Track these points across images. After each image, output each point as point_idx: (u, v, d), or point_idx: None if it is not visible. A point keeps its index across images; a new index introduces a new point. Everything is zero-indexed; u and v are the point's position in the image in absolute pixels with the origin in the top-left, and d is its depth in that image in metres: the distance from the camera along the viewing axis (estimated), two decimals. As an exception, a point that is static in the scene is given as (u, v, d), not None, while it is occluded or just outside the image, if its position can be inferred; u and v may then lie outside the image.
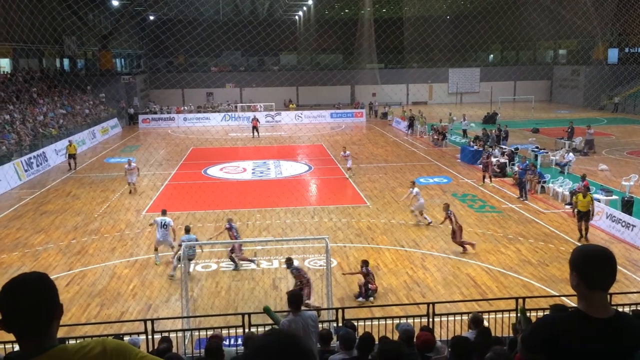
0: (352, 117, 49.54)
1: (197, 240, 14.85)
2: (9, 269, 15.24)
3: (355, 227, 18.44)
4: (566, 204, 20.56)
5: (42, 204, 22.32)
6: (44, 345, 2.06)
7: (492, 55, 68.55)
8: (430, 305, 9.89)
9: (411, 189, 18.83)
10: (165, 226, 15.39)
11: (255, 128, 39.85)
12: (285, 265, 13.11)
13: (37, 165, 28.49)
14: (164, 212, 15.90)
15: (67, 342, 7.11)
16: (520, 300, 10.07)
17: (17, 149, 28.77)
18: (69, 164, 29.05)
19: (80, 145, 35.67)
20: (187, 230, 14.86)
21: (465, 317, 10.32)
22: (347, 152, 26.68)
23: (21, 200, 23.07)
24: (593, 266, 2.45)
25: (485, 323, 8.46)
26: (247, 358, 1.75)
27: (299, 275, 12.62)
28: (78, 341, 2.17)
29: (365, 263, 13.19)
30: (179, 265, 13.39)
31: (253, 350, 1.76)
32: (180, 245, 14.40)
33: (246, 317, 9.52)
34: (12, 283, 2.09)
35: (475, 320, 8.19)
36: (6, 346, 8.54)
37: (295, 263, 13.16)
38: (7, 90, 36.26)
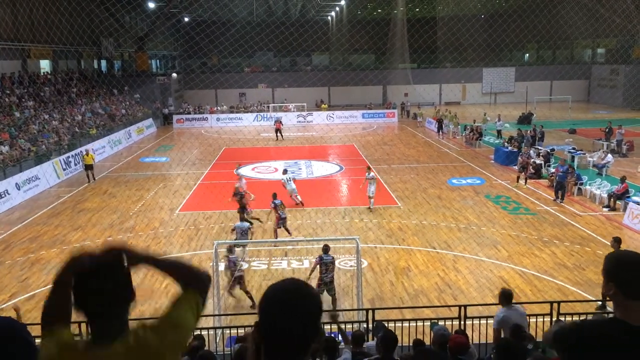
0: (383, 118, 49.31)
1: (249, 227, 15.47)
2: (47, 265, 15.70)
3: (386, 227, 18.35)
4: (604, 207, 20.06)
5: (80, 202, 22.89)
6: (119, 330, 2.02)
7: (527, 55, 67.30)
8: (462, 308, 9.77)
9: (367, 174, 20.44)
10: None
11: (278, 131, 38.78)
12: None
13: (75, 164, 29.20)
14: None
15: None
16: (555, 305, 9.86)
17: (56, 148, 29.56)
18: (87, 175, 26.41)
19: (116, 144, 36.49)
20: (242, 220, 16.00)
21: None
22: (240, 167, 22.30)
23: (59, 198, 23.71)
24: (631, 275, 2.34)
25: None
26: (262, 305, 1.81)
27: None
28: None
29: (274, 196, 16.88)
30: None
31: (266, 296, 1.84)
32: (233, 230, 15.33)
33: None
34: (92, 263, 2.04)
35: (506, 295, 8.29)
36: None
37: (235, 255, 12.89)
38: (47, 90, 37.31)
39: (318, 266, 12.52)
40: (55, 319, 2.10)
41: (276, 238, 16.78)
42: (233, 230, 15.41)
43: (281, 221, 16.89)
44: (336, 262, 15.21)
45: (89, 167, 26.46)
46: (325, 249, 12.64)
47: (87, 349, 2.01)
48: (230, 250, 12.95)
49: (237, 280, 12.76)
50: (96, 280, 2.00)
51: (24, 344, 2.07)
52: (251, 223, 16.73)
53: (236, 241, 15.10)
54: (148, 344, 1.99)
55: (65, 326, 2.10)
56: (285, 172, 22.13)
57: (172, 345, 2.04)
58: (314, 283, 12.39)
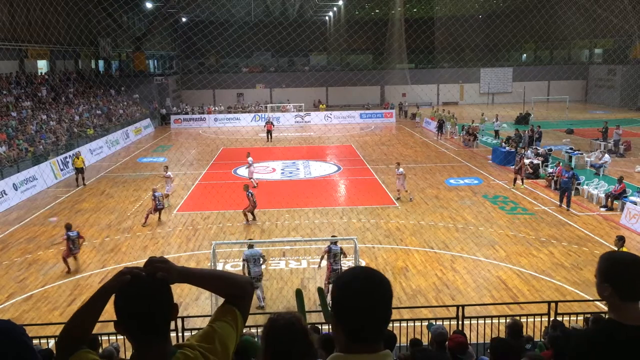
0: (381, 118, 49.34)
1: (262, 255, 13.05)
2: (45, 266, 15.67)
3: (384, 228, 18.36)
4: (601, 207, 20.09)
5: (77, 202, 22.85)
6: (167, 351, 1.97)
7: (525, 55, 67.40)
8: (460, 308, 9.78)
9: (397, 169, 21.95)
10: None
11: (269, 132, 38.36)
12: None
13: (73, 164, 29.10)
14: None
15: (100, 338, 7.24)
16: (553, 305, 9.87)
17: (54, 149, 29.49)
18: (77, 179, 26.00)
19: (114, 144, 36.45)
20: (251, 247, 13.16)
21: (495, 321, 10.18)
22: (168, 173, 22.26)
23: (57, 198, 23.67)
24: (628, 277, 2.32)
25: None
26: (340, 288, 1.93)
27: None
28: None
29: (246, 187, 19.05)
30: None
31: (344, 281, 1.94)
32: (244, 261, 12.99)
33: (274, 316, 9.54)
34: (135, 279, 1.97)
35: (514, 327, 7.85)
36: (44, 341, 8.76)
37: None
38: (45, 90, 37.23)
39: (326, 256, 13.03)
40: (81, 340, 2.04)
41: (253, 218, 19.25)
42: (244, 260, 12.91)
43: (253, 206, 19.01)
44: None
45: (79, 171, 25.89)
46: (334, 240, 13.27)
47: None
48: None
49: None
50: (143, 299, 1.93)
51: (24, 347, 2.03)
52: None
53: (235, 241, 15.11)
54: None
55: (91, 350, 2.05)
56: (248, 155, 25.17)
57: None
58: (325, 273, 13.20)
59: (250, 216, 19.26)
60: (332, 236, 13.94)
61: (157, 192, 19.68)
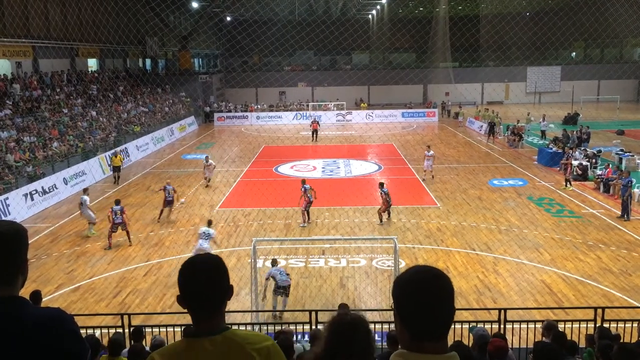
0: (424, 117, 48.81)
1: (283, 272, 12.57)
2: (92, 258, 16.17)
3: (425, 228, 18.17)
4: (653, 211, 19.33)
5: (124, 197, 23.38)
6: (219, 326, 2.16)
7: (574, 53, 65.44)
8: (502, 311, 9.59)
9: (427, 152, 24.64)
10: (207, 236, 15.01)
11: (315, 132, 38.15)
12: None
13: (111, 163, 29.88)
14: (209, 223, 15.89)
15: (144, 329, 7.45)
16: (600, 311, 9.56)
17: (102, 144, 30.40)
18: (114, 177, 26.21)
19: (159, 141, 37.28)
20: (274, 263, 12.91)
21: (539, 325, 9.93)
22: (210, 162, 25.15)
23: (105, 193, 24.38)
24: None
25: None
26: (401, 286, 1.97)
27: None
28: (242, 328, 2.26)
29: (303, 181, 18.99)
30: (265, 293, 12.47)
31: (405, 279, 1.97)
32: (267, 279, 12.49)
33: (313, 314, 9.60)
34: (192, 261, 2.20)
35: (550, 327, 7.90)
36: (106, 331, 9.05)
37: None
38: (95, 88, 38.39)
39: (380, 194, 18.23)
40: None
41: (307, 219, 18.68)
42: (268, 279, 12.49)
43: (308, 204, 18.51)
44: (374, 262, 15.26)
45: (116, 169, 26.12)
46: (381, 185, 18.73)
47: (190, 342, 2.17)
48: None
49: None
50: (203, 276, 2.16)
51: (73, 335, 2.11)
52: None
53: (275, 238, 15.19)
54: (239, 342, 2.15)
55: None
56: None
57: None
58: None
59: (305, 216, 18.63)
60: (379, 183, 18.95)
61: (168, 186, 19.76)
